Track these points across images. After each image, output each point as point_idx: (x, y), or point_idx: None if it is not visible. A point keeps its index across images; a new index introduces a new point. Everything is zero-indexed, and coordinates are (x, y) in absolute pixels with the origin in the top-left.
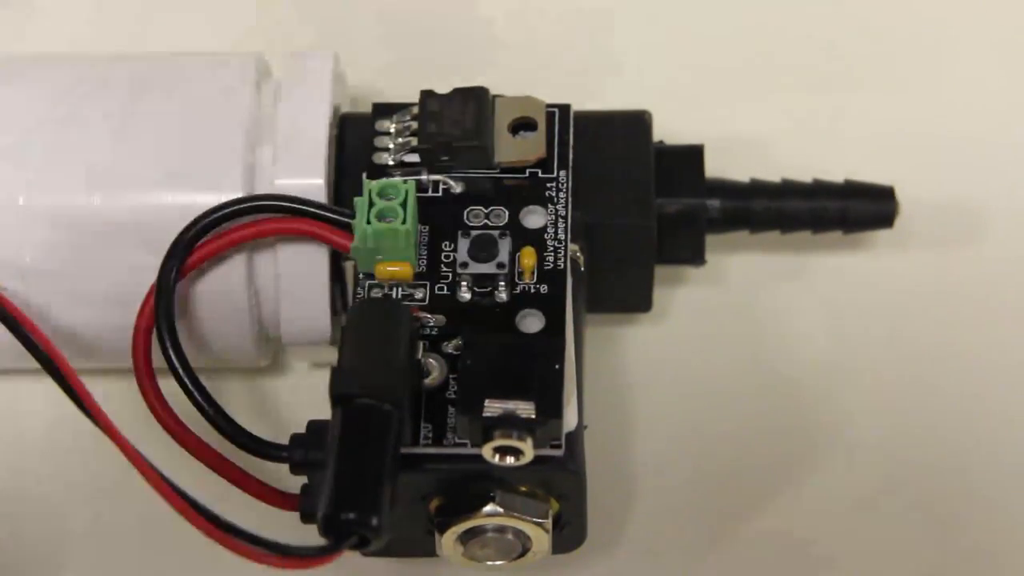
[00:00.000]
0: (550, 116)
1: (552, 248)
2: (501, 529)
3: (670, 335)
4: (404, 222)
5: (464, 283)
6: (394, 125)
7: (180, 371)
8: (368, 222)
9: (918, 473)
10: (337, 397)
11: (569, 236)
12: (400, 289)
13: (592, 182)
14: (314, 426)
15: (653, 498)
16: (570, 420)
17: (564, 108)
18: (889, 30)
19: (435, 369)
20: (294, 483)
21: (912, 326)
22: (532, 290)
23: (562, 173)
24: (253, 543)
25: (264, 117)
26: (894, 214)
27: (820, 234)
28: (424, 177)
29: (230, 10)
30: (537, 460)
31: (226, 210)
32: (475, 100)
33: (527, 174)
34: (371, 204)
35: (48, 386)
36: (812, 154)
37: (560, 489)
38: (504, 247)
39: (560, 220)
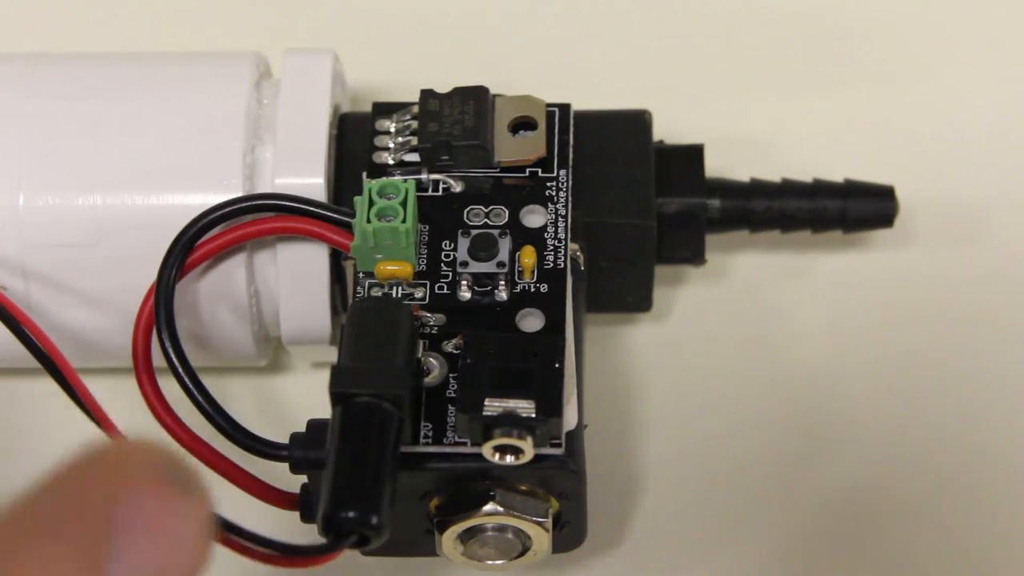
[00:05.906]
0: (550, 115)
1: (552, 247)
2: (501, 528)
3: (670, 335)
4: (404, 221)
5: (464, 282)
6: (394, 124)
7: (180, 371)
8: (368, 221)
9: (919, 472)
10: (337, 396)
11: (569, 235)
12: (400, 288)
13: (592, 181)
14: (314, 425)
15: (653, 498)
16: (570, 419)
17: (564, 108)
18: (889, 30)
19: (435, 368)
20: (294, 482)
21: (912, 325)
22: (532, 289)
23: (562, 172)
24: (253, 542)
25: (264, 116)
26: (894, 214)
27: (820, 234)
28: (424, 176)
29: (230, 10)
30: (537, 459)
31: (226, 210)
32: (475, 99)
33: (527, 173)
34: (371, 203)
35: (48, 386)
36: (812, 154)
37: (560, 488)
38: (504, 246)
39: (560, 219)
